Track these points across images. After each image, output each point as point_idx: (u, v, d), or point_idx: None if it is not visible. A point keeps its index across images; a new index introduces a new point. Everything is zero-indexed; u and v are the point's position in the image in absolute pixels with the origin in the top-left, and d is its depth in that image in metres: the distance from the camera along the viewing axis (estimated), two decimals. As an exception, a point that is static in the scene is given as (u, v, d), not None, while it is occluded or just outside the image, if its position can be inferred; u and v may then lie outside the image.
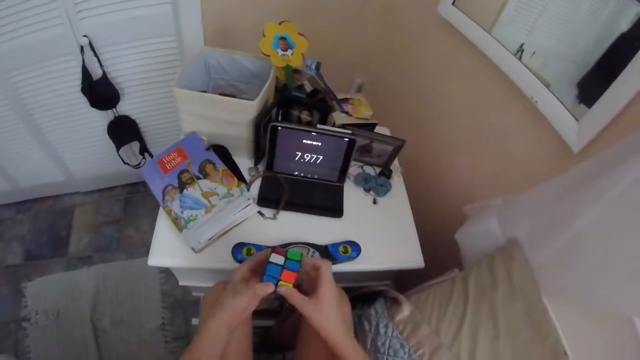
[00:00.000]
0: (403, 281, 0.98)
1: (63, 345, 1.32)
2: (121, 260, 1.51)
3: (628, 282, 0.55)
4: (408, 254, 0.86)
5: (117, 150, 1.40)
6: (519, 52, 0.79)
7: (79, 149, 1.46)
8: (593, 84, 0.65)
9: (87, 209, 1.67)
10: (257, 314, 1.06)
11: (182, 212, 0.78)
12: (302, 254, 0.59)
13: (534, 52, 0.77)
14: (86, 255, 1.53)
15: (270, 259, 0.56)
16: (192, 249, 0.76)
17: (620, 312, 0.59)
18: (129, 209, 1.68)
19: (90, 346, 1.31)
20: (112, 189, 1.72)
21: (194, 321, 1.17)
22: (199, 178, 0.83)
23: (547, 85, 0.73)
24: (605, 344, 0.63)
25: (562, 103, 0.69)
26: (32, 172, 1.51)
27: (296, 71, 0.93)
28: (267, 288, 0.54)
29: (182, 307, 1.42)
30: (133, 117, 1.36)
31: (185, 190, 0.81)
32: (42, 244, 1.55)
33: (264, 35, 0.85)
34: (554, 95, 0.71)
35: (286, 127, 0.84)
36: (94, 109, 1.26)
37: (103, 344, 1.33)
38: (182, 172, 0.83)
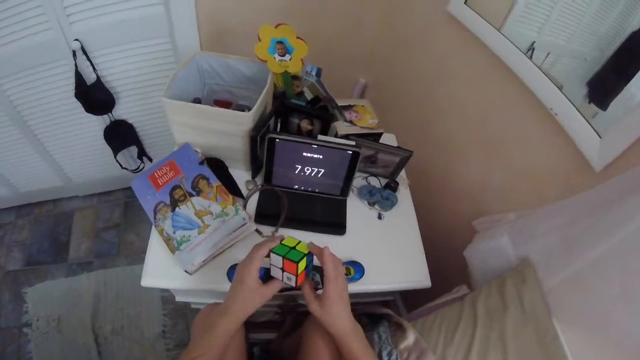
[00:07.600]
0: (408, 295, 0.94)
1: (65, 352, 1.31)
2: (121, 266, 1.49)
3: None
4: (414, 274, 0.82)
5: (115, 156, 1.37)
6: (530, 50, 0.75)
7: (76, 155, 1.43)
8: (604, 82, 0.62)
9: (86, 213, 1.64)
10: (258, 326, 1.05)
11: (174, 233, 0.75)
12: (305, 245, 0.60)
13: (549, 53, 0.74)
14: (86, 260, 1.51)
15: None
16: (186, 271, 0.72)
17: (636, 343, 0.54)
18: (128, 213, 1.65)
19: (92, 353, 1.30)
20: (111, 193, 1.69)
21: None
22: (191, 195, 0.78)
23: (560, 87, 0.68)
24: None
25: (583, 116, 0.63)
26: (30, 177, 1.49)
27: (295, 77, 0.88)
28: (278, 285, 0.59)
29: (183, 314, 1.40)
30: (130, 122, 1.33)
31: (177, 209, 0.77)
32: (42, 249, 1.54)
33: (259, 39, 0.78)
34: (574, 106, 0.65)
35: (284, 139, 0.78)
36: (89, 115, 1.23)
37: (105, 351, 1.32)
38: (174, 188, 0.79)
